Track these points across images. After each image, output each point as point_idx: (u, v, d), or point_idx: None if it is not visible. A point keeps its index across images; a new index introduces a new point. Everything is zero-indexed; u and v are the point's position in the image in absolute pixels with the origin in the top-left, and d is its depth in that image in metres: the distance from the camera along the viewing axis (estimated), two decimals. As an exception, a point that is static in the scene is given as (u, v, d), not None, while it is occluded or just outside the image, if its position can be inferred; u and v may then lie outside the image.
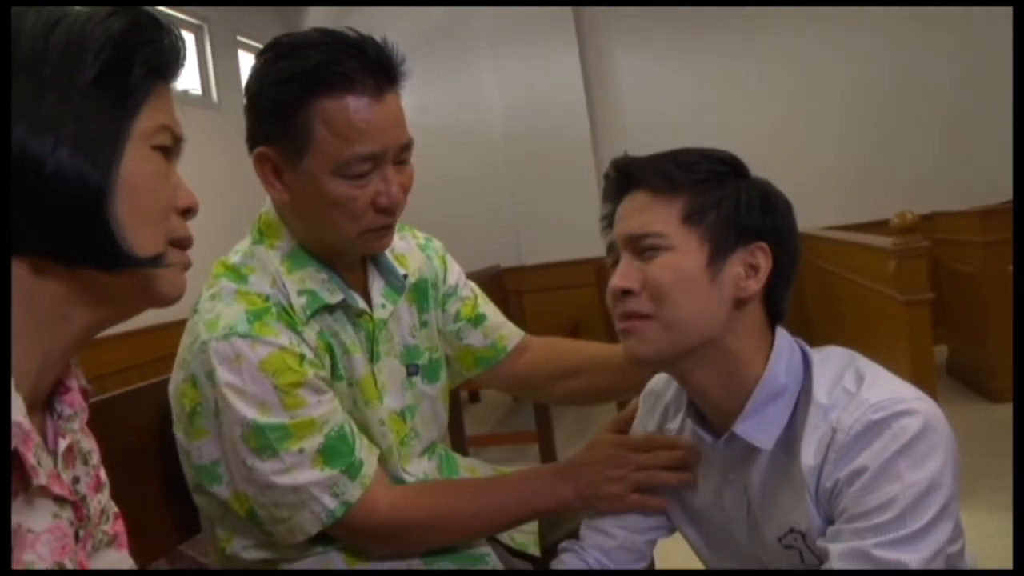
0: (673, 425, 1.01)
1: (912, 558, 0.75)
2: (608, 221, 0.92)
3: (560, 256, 5.31)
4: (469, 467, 1.28)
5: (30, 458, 0.54)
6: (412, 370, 1.16)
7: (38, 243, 0.56)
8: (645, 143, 0.93)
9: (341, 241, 1.04)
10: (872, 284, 2.91)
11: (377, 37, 0.99)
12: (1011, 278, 2.43)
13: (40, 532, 0.56)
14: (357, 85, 0.95)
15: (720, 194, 0.85)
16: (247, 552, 1.06)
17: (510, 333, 1.30)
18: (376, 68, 0.97)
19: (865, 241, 3.07)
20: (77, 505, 0.61)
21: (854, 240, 3.27)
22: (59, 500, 0.59)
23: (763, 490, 0.88)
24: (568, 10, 5.32)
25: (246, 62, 5.32)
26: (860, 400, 0.80)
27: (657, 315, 0.84)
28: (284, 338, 0.99)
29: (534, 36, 5.33)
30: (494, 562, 1.11)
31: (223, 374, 0.96)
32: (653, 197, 0.86)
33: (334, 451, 0.99)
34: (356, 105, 0.95)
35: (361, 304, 1.09)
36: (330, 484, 0.98)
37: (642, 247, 0.85)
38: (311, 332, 1.03)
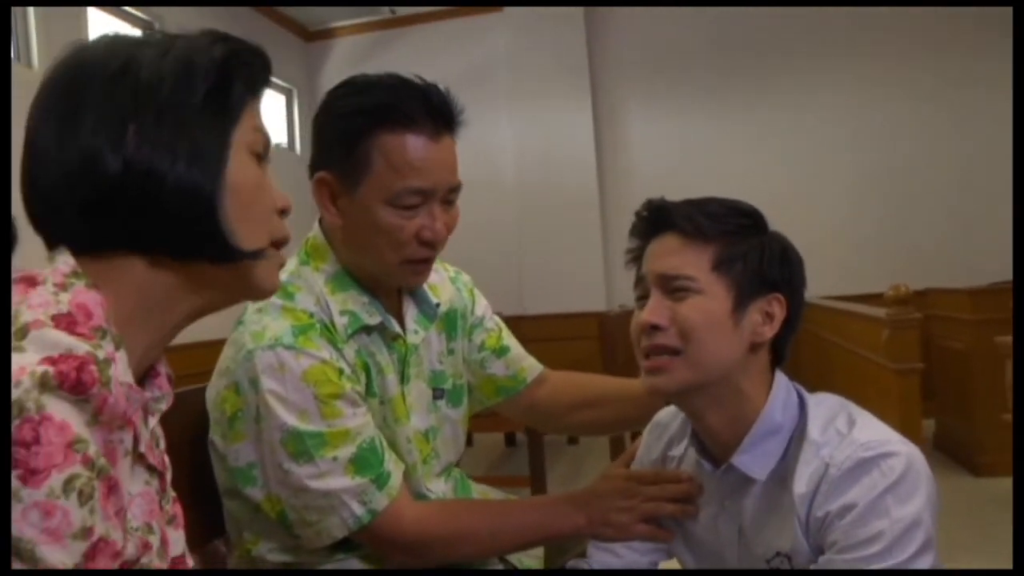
0: (676, 452, 1.09)
1: None
2: (633, 255, 1.01)
3: (560, 307, 5.35)
4: (482, 492, 1.34)
5: (139, 424, 0.62)
6: (438, 394, 1.24)
7: (156, 243, 0.65)
8: (652, 203, 1.02)
9: (382, 269, 1.11)
10: (866, 353, 2.98)
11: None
12: (998, 353, 2.52)
13: (135, 495, 0.64)
14: (417, 125, 1.05)
15: (746, 246, 0.94)
16: (272, 555, 1.11)
17: (531, 365, 1.37)
18: (436, 112, 1.07)
19: (860, 311, 3.16)
20: (163, 476, 0.69)
21: (850, 309, 3.35)
22: (150, 469, 0.66)
23: (755, 516, 0.96)
24: (585, 69, 5.51)
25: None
26: (851, 439, 0.89)
27: (684, 352, 0.92)
28: (326, 352, 1.06)
29: (550, 92, 5.49)
30: None
31: (267, 381, 1.02)
32: (684, 242, 0.95)
33: (365, 461, 1.05)
34: (414, 143, 1.05)
35: (396, 328, 1.16)
36: (359, 492, 1.04)
37: (673, 287, 0.94)
38: (350, 350, 1.10)
